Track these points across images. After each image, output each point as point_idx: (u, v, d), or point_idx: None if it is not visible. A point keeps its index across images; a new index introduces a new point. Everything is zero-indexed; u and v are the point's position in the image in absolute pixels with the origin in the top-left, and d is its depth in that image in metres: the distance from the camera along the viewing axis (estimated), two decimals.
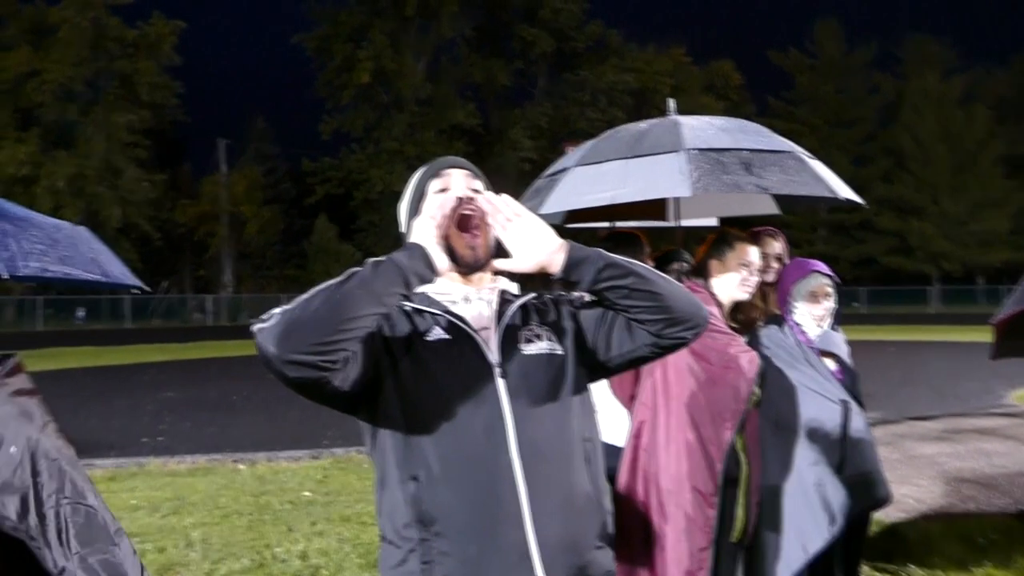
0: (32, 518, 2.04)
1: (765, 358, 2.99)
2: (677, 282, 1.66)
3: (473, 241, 1.63)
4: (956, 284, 45.30)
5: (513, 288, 1.76)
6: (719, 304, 2.93)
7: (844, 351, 3.25)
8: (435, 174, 1.73)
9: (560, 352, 1.65)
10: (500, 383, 1.56)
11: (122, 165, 38.46)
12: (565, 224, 3.61)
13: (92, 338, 26.74)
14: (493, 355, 1.60)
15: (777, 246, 3.43)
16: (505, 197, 1.60)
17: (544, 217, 1.60)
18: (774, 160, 2.72)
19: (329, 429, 8.76)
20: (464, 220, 1.61)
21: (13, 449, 2.06)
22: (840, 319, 3.36)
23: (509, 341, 1.62)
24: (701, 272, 3.02)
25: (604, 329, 1.66)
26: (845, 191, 2.90)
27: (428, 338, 1.60)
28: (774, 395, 3.00)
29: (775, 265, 3.40)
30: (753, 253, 2.98)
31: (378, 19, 42.23)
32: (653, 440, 2.80)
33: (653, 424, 2.82)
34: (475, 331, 1.61)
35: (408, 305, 1.63)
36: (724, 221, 4.02)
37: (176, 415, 10.68)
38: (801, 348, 3.14)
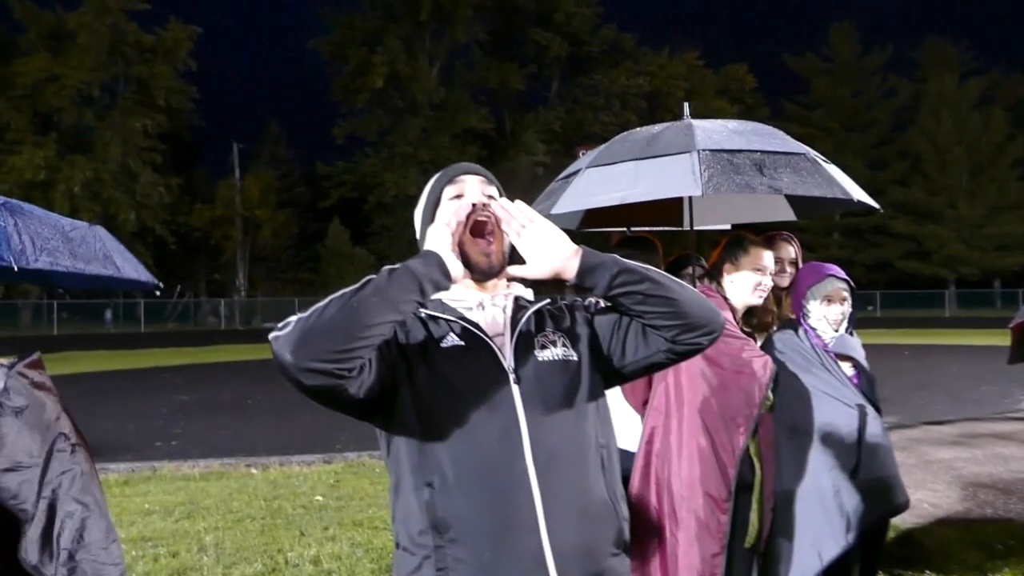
0: (38, 501, 2.05)
1: (779, 362, 2.98)
2: (692, 287, 1.65)
3: (488, 248, 1.63)
4: (973, 288, 44.96)
5: (528, 294, 1.75)
6: (732, 308, 2.92)
7: (861, 355, 3.22)
8: (450, 180, 1.73)
9: (575, 358, 1.64)
10: (515, 389, 1.56)
11: (138, 169, 38.84)
12: (580, 229, 3.61)
13: (107, 342, 26.96)
14: (507, 361, 1.59)
15: (791, 250, 3.41)
16: (519, 203, 1.60)
17: (556, 218, 1.60)
18: (787, 162, 2.71)
19: (342, 433, 8.78)
20: (478, 226, 1.61)
21: (27, 433, 2.08)
22: (856, 323, 3.33)
23: (523, 347, 1.62)
24: (714, 276, 3.00)
25: (619, 335, 1.66)
26: (859, 194, 2.88)
27: (443, 345, 1.60)
28: (789, 400, 2.99)
29: (789, 270, 3.39)
30: (767, 257, 2.96)
31: (392, 24, 42.47)
32: (665, 445, 2.79)
33: (665, 429, 2.81)
34: (489, 337, 1.61)
35: (423, 312, 1.63)
36: (738, 227, 3.99)
37: (190, 418, 10.73)
38: (817, 352, 3.11)
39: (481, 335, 1.61)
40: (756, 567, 2.89)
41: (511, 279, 1.72)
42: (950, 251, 45.21)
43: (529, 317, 1.67)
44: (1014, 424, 9.20)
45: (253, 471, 7.32)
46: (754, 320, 3.17)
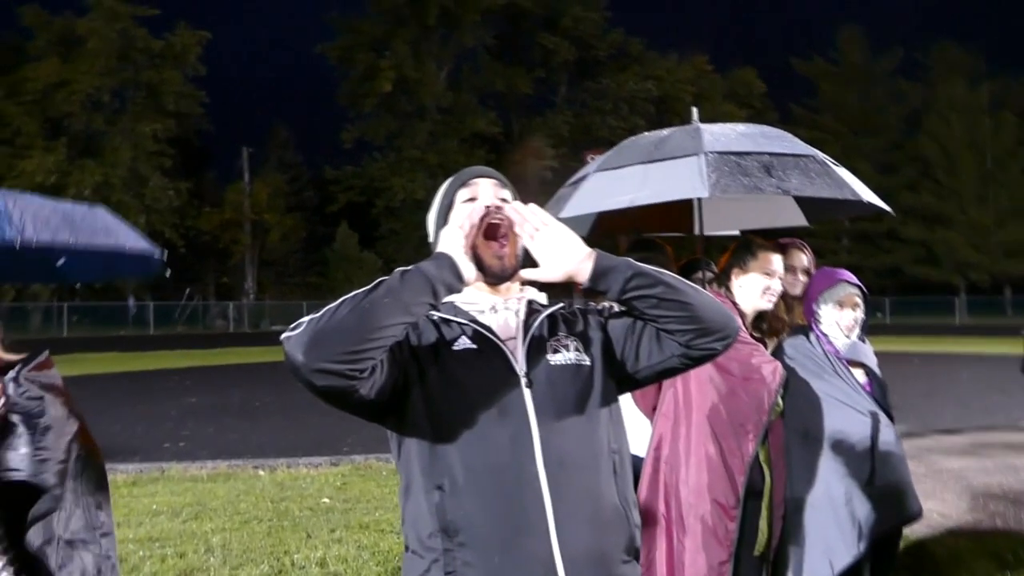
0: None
1: (790, 368, 2.96)
2: (706, 292, 1.63)
3: (501, 251, 1.62)
4: (983, 295, 44.71)
5: (541, 298, 1.74)
6: (741, 313, 2.90)
7: (873, 361, 3.19)
8: (463, 183, 1.72)
9: (587, 362, 1.63)
10: (526, 393, 1.55)
11: (147, 173, 39.00)
12: (591, 235, 3.60)
13: (116, 344, 27.04)
14: (519, 365, 1.58)
15: (804, 259, 3.37)
16: (532, 206, 1.59)
17: (566, 223, 1.58)
18: (795, 163, 2.70)
19: (349, 436, 8.78)
20: (492, 229, 1.60)
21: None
22: (867, 329, 3.30)
23: (536, 351, 1.61)
24: (723, 281, 2.99)
25: (633, 339, 1.64)
26: (869, 196, 2.86)
27: (455, 347, 1.59)
28: (800, 406, 2.96)
29: (802, 278, 3.34)
30: (776, 261, 2.95)
31: (400, 28, 42.57)
32: (674, 452, 2.78)
33: (674, 436, 2.79)
34: (502, 341, 1.60)
35: (435, 314, 1.63)
36: (750, 233, 3.97)
37: (198, 421, 10.76)
38: (829, 358, 3.08)
39: (493, 338, 1.60)
40: (765, 574, 2.86)
41: (524, 282, 1.71)
42: (960, 256, 44.96)
43: (542, 321, 1.66)
44: None
45: (260, 473, 7.33)
46: (764, 326, 3.15)
